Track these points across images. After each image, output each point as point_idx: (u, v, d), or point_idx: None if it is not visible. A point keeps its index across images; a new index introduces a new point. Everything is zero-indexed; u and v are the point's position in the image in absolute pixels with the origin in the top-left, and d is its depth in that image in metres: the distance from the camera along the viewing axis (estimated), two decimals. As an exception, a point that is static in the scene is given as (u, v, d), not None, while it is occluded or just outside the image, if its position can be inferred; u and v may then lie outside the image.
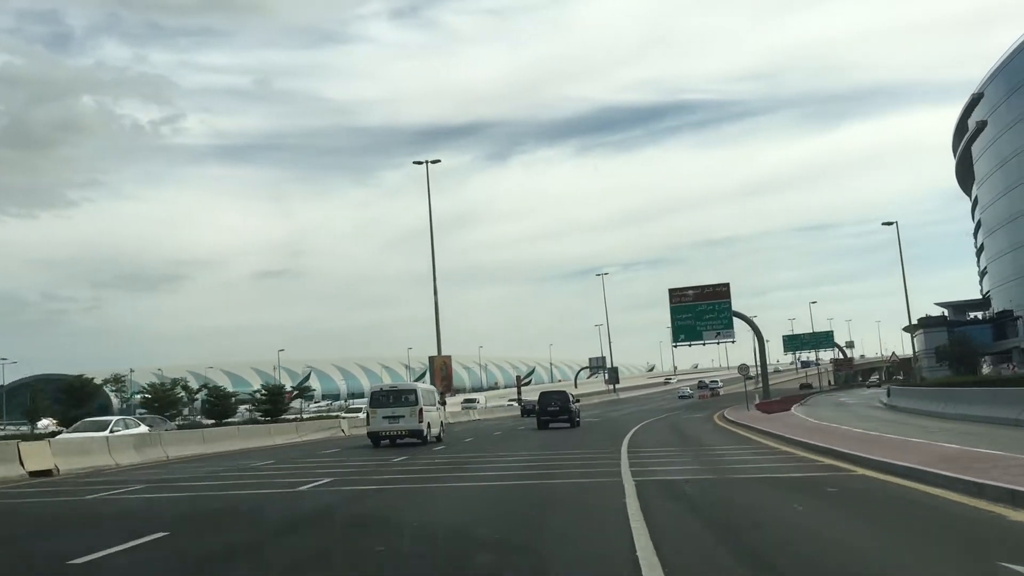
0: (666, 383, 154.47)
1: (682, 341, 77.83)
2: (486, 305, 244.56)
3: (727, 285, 77.97)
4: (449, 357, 58.47)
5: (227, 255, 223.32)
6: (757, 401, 65.70)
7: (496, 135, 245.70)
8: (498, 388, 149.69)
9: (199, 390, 76.59)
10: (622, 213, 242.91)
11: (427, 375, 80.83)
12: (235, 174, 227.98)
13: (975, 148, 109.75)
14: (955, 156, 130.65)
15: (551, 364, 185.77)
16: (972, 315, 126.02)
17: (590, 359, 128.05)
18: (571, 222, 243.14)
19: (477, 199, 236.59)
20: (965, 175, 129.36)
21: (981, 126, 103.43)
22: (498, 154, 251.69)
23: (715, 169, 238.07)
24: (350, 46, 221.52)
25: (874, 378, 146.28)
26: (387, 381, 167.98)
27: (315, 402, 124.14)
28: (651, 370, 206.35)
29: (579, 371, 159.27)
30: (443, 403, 38.63)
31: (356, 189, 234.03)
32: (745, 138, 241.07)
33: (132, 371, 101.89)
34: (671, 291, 79.14)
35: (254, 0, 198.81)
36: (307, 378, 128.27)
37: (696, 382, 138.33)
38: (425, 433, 28.56)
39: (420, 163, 55.38)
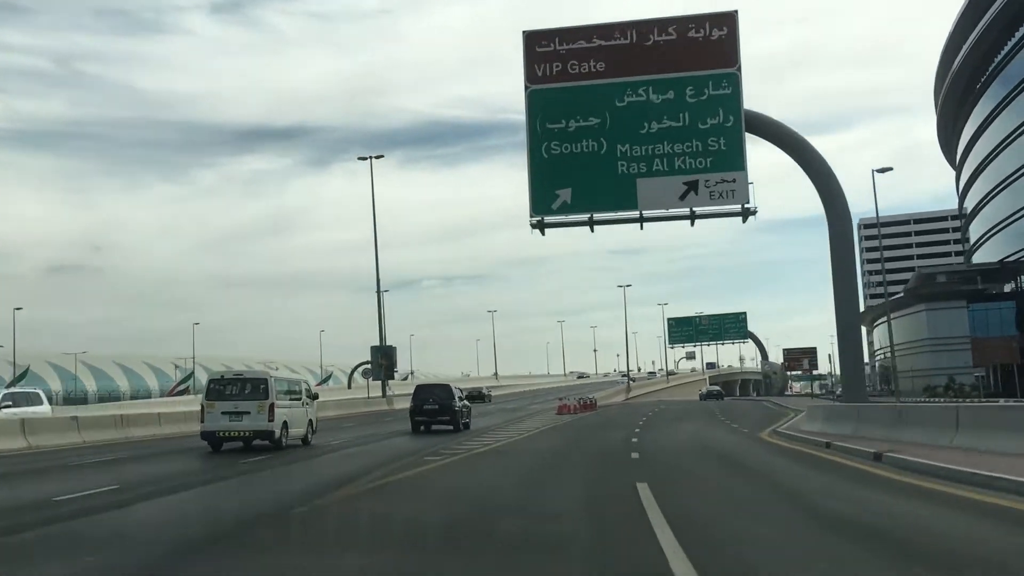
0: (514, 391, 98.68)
1: (568, 211, 22.02)
2: (300, 312, 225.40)
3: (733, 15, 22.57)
4: None
5: (14, 246, 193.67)
6: None
7: (319, 141, 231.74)
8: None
9: None
10: (444, 228, 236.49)
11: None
12: (30, 160, 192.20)
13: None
14: (939, 98, 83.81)
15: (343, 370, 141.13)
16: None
17: (372, 348, 70.96)
18: (392, 234, 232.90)
19: (296, 205, 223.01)
20: (957, 104, 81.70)
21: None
22: (320, 160, 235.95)
23: None
24: (166, 37, 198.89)
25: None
26: (152, 380, 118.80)
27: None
28: (467, 376, 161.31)
29: (355, 369, 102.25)
30: (314, 396, 26.22)
31: (166, 185, 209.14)
32: None
33: None
34: (528, 38, 23.19)
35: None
36: (23, 375, 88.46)
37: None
38: (278, 435, 22.06)
39: None
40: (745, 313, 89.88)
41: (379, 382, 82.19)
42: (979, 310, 70.30)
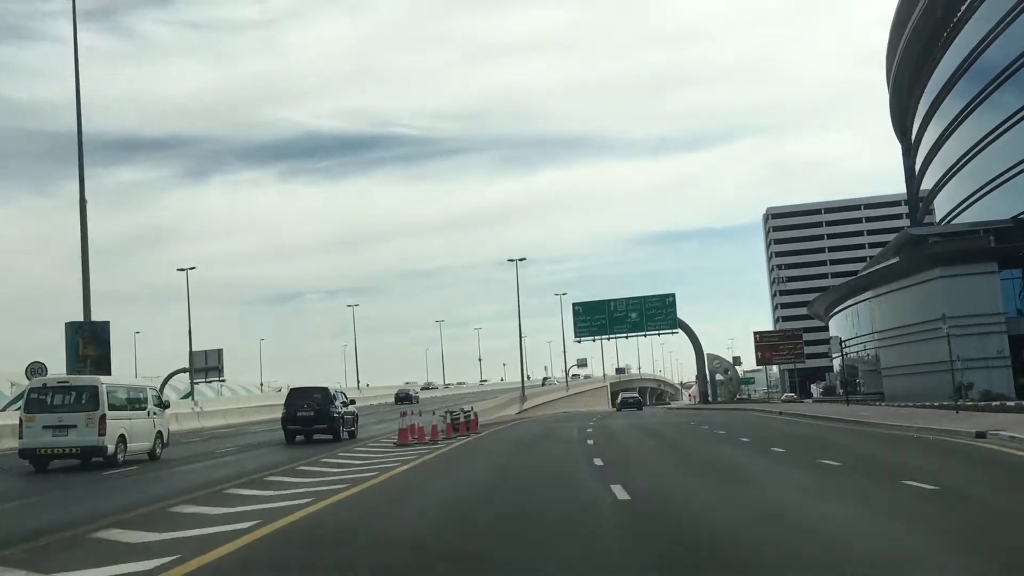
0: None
1: None
2: (176, 327, 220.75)
3: None
4: None
5: None
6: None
7: (196, 152, 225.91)
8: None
9: None
10: (328, 240, 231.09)
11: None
12: None
13: None
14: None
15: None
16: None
17: (67, 325, 46.06)
18: (274, 246, 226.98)
19: (173, 217, 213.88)
20: (910, 79, 67.89)
21: None
22: (198, 171, 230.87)
23: (421, 202, 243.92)
24: (34, 43, 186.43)
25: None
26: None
27: None
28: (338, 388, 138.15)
29: (171, 376, 75.75)
30: (164, 405, 23.61)
31: (34, 199, 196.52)
32: (450, 174, 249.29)
33: None
34: None
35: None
36: None
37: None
38: (113, 451, 19.45)
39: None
40: (673, 295, 68.11)
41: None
42: (1008, 278, 50.74)
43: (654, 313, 67.37)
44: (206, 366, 66.56)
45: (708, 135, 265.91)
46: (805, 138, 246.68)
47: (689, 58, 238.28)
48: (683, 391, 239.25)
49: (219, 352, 71.36)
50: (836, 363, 79.90)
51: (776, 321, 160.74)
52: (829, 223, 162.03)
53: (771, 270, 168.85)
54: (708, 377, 64.56)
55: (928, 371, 49.34)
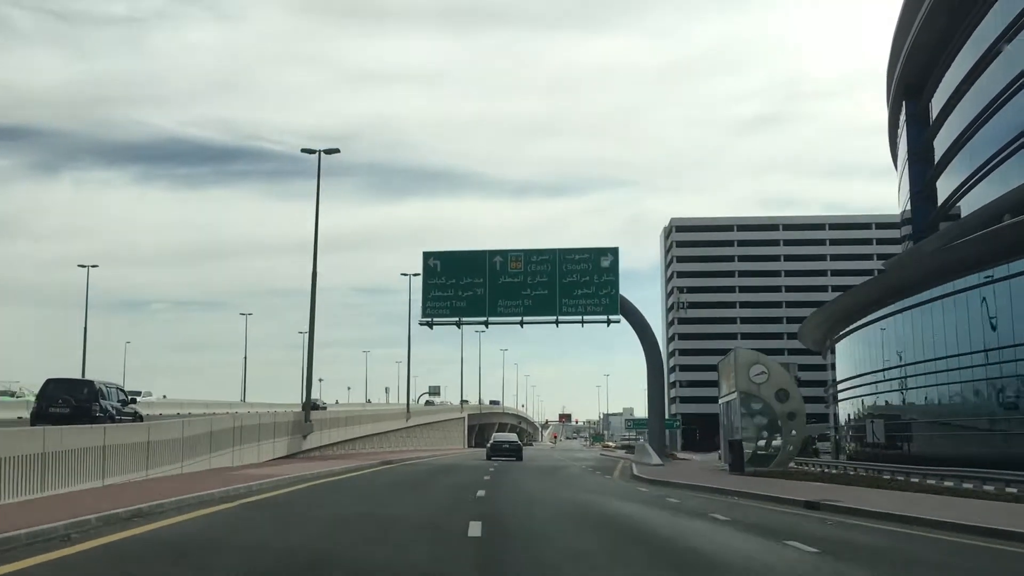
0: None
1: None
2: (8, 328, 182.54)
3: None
4: None
5: None
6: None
7: (46, 145, 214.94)
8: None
9: None
10: (181, 249, 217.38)
11: None
12: None
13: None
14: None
15: None
16: None
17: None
18: (124, 251, 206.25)
19: (15, 211, 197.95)
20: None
21: None
22: (47, 165, 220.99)
23: (282, 221, 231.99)
24: None
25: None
26: None
27: None
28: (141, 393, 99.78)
29: None
30: None
31: None
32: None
33: None
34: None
35: None
36: None
37: None
38: None
39: None
40: (616, 250, 37.13)
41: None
42: None
43: (578, 284, 35.75)
44: None
45: (570, 183, 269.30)
46: (662, 196, 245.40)
47: (559, 108, 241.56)
48: (541, 431, 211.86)
49: None
50: (842, 410, 50.09)
51: (671, 355, 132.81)
52: (741, 243, 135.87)
53: (669, 293, 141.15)
54: (736, 410, 31.09)
55: None
